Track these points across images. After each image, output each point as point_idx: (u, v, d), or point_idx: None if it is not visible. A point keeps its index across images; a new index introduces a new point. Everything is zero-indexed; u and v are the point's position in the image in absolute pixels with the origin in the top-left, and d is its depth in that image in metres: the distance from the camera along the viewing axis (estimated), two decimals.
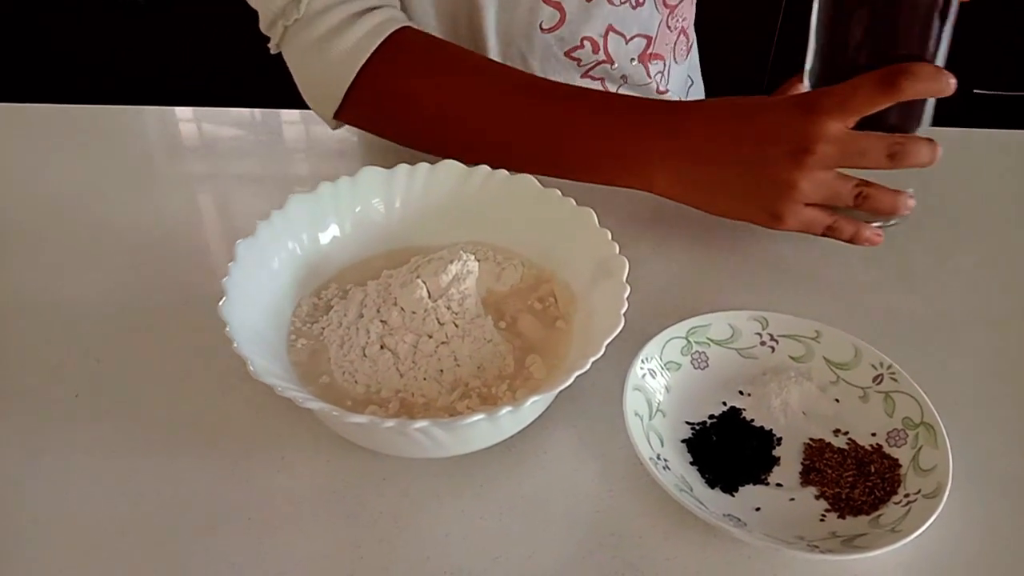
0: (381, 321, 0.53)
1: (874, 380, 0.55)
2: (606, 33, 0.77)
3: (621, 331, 0.48)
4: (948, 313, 0.65)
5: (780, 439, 0.53)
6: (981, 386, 0.59)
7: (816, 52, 0.63)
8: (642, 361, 0.54)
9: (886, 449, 0.52)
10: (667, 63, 0.85)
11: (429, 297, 0.53)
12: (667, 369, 0.56)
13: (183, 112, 0.87)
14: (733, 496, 0.50)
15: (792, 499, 0.50)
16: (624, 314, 0.49)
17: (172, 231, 0.70)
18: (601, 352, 0.47)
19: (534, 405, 0.48)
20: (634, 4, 0.77)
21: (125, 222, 0.71)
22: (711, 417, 0.55)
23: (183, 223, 0.72)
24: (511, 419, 0.48)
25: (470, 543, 0.48)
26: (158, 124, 0.86)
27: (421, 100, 0.70)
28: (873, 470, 0.51)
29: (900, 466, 0.51)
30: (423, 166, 0.60)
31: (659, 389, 0.55)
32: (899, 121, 0.60)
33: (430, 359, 0.51)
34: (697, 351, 0.57)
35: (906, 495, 0.49)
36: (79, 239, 0.69)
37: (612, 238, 0.54)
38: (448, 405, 0.50)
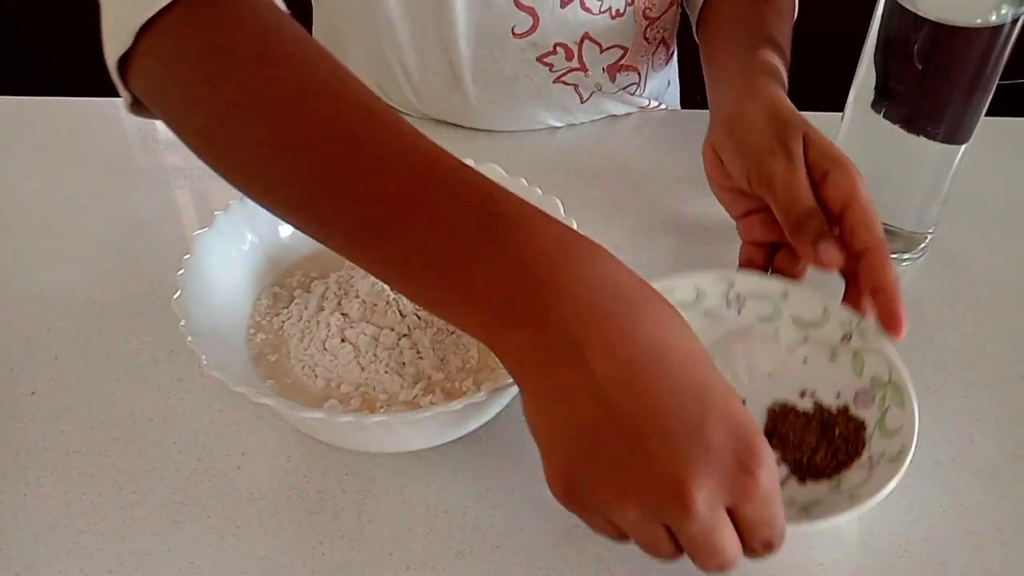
0: (342, 314, 0.52)
1: (843, 338, 0.52)
2: (581, 41, 0.76)
3: None
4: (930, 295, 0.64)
5: (743, 402, 0.51)
6: (956, 357, 0.58)
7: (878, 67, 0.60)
8: None
9: (852, 411, 0.51)
10: (643, 74, 0.83)
11: (391, 288, 0.52)
12: None
13: None
14: None
15: None
16: None
17: (137, 225, 0.69)
18: None
19: (499, 397, 0.47)
20: (613, 14, 0.75)
21: (90, 216, 0.69)
22: None
23: (149, 216, 0.71)
24: (474, 412, 0.47)
25: (434, 537, 0.47)
26: (133, 118, 0.85)
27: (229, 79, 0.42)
28: (837, 433, 0.49)
29: (865, 428, 0.49)
30: None
31: None
32: (948, 135, 0.60)
33: (391, 352, 0.51)
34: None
35: (869, 458, 0.48)
36: (40, 233, 0.68)
37: (578, 227, 0.54)
38: (411, 400, 0.49)
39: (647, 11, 0.77)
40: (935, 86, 0.57)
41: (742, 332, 0.55)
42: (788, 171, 0.52)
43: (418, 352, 0.51)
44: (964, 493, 0.50)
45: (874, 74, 0.60)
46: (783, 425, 0.51)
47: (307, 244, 0.58)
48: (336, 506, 0.48)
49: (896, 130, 0.60)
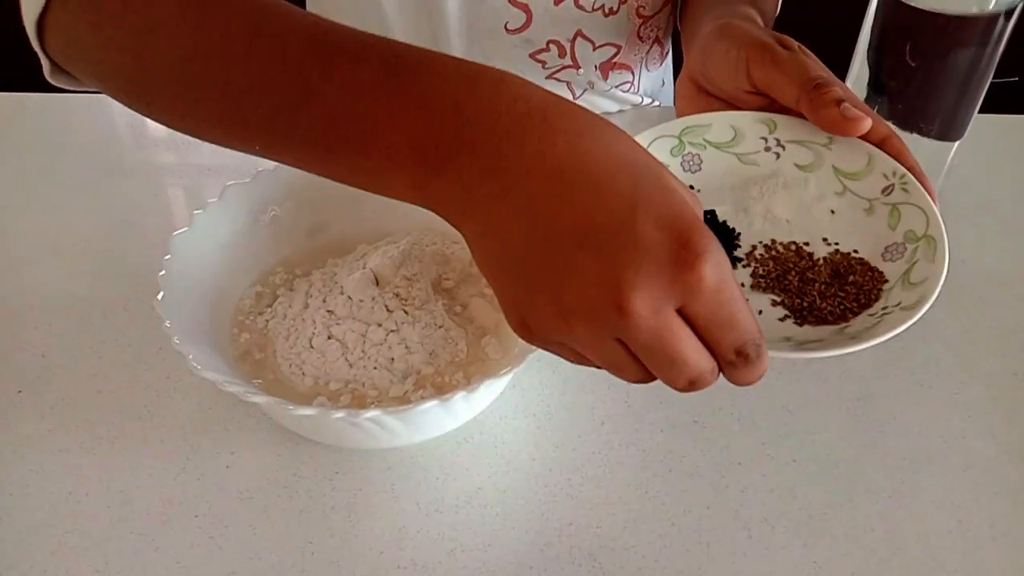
0: (327, 311, 0.51)
1: (884, 191, 0.48)
2: (574, 38, 0.75)
3: None
4: None
5: (737, 238, 0.48)
6: (948, 354, 0.58)
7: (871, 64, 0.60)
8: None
9: (875, 263, 0.47)
10: (636, 72, 0.83)
11: (377, 284, 0.52)
12: None
13: None
14: None
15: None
16: None
17: (125, 222, 0.68)
18: None
19: (489, 390, 0.46)
20: (606, 12, 0.75)
21: (76, 213, 0.69)
22: None
23: (136, 214, 0.70)
24: (465, 405, 0.47)
25: (425, 536, 0.47)
26: (117, 110, 0.84)
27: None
28: (851, 280, 0.46)
29: (885, 280, 0.46)
30: None
31: None
32: (941, 132, 0.59)
33: (380, 348, 0.50)
34: (690, 152, 0.50)
35: (883, 308, 0.45)
36: (26, 229, 0.67)
37: None
38: (401, 395, 0.48)
39: (640, 9, 0.76)
40: (928, 81, 0.57)
41: (767, 176, 0.51)
42: (793, 52, 0.50)
43: (407, 347, 0.50)
44: (956, 490, 0.50)
45: (867, 70, 0.60)
46: (788, 268, 0.47)
47: (288, 241, 0.58)
48: (326, 505, 0.48)
49: (889, 126, 0.60)
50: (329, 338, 0.50)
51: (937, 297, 0.42)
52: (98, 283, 0.61)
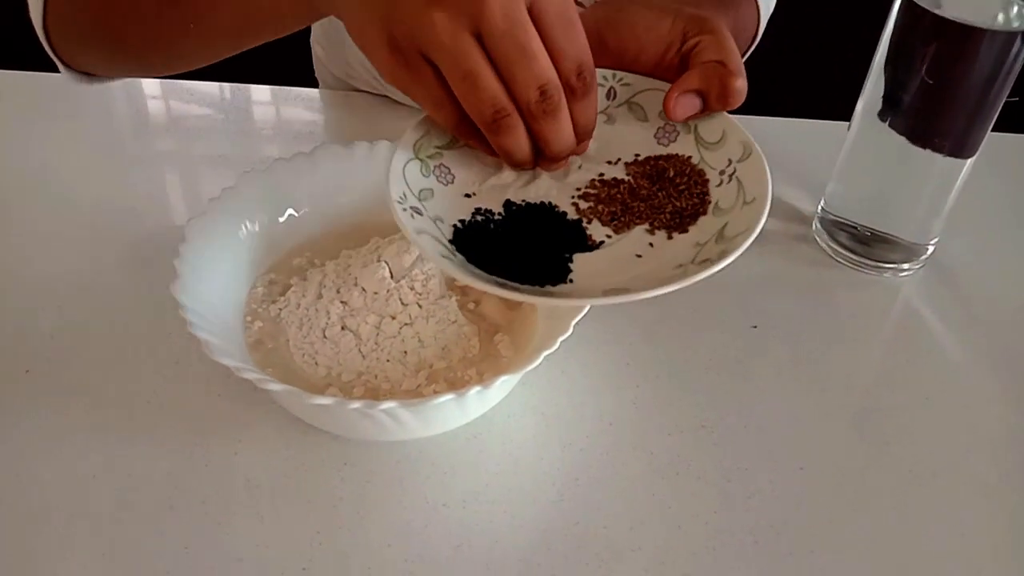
0: (341, 302, 0.51)
1: (607, 95, 0.51)
2: None
3: None
4: None
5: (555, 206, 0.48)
6: (953, 370, 0.59)
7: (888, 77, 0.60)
8: (399, 203, 0.44)
9: (664, 150, 0.49)
10: None
11: (392, 277, 0.52)
12: (423, 199, 0.46)
13: (150, 87, 0.84)
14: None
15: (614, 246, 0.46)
16: None
17: (134, 208, 0.68)
18: (569, 332, 0.46)
19: (503, 387, 0.47)
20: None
21: (86, 198, 0.68)
22: (466, 224, 0.46)
23: (145, 201, 0.70)
24: (478, 400, 0.47)
25: (432, 531, 0.47)
26: (124, 97, 0.84)
27: None
28: (670, 174, 0.48)
29: (689, 157, 0.48)
30: (383, 143, 0.59)
31: (432, 228, 0.45)
32: (954, 149, 0.60)
33: (393, 340, 0.50)
34: (436, 166, 0.48)
35: (721, 171, 0.47)
36: (37, 213, 0.67)
37: None
38: (414, 388, 0.49)
39: None
40: (944, 97, 0.57)
41: None
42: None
43: (420, 341, 0.50)
44: (961, 505, 0.50)
45: (883, 84, 0.60)
46: (613, 196, 0.48)
47: (301, 232, 0.58)
48: (334, 495, 0.48)
49: (902, 142, 0.60)
50: (343, 329, 0.50)
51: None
52: (107, 268, 0.61)
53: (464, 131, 0.44)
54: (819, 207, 0.70)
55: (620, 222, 0.47)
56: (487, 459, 0.51)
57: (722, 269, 0.41)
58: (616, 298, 0.40)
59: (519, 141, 0.43)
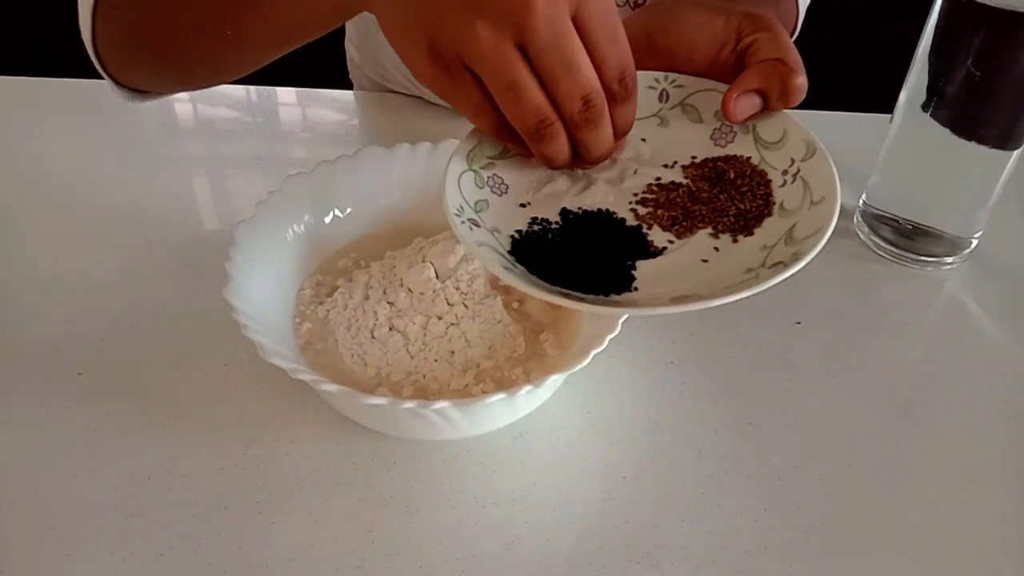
0: (388, 303, 0.52)
1: (659, 98, 0.51)
2: None
3: None
4: None
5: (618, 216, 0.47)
6: (999, 364, 0.58)
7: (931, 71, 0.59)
8: (456, 215, 0.44)
9: (721, 152, 0.49)
10: None
11: (437, 278, 0.52)
12: (479, 210, 0.46)
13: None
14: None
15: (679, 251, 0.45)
16: None
17: (174, 212, 0.69)
18: (617, 331, 0.46)
19: (552, 386, 0.47)
20: (633, 5, 0.75)
21: (127, 201, 0.69)
22: (525, 236, 0.46)
23: (185, 204, 0.71)
24: (527, 400, 0.47)
25: (482, 529, 0.47)
26: (154, 103, 0.85)
27: None
28: (730, 176, 0.48)
29: (749, 158, 0.48)
30: (425, 145, 0.59)
31: (490, 239, 0.45)
32: (999, 140, 0.59)
33: (440, 340, 0.50)
34: (490, 176, 0.48)
35: (783, 171, 0.46)
36: (82, 217, 0.68)
37: None
38: (462, 388, 0.49)
39: None
40: (990, 87, 0.57)
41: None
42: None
43: (466, 340, 0.51)
44: (1012, 499, 0.50)
45: (927, 76, 0.59)
46: (674, 201, 0.47)
47: (346, 234, 0.58)
48: (384, 494, 0.48)
49: (946, 133, 0.60)
50: (391, 330, 0.50)
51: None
52: (153, 271, 0.62)
53: (505, 136, 0.44)
54: (861, 201, 0.69)
55: (682, 227, 0.46)
56: (533, 458, 0.51)
57: (796, 272, 0.40)
58: (688, 306, 0.40)
59: (561, 148, 0.43)
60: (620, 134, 0.45)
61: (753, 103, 0.47)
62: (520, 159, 0.48)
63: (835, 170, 0.44)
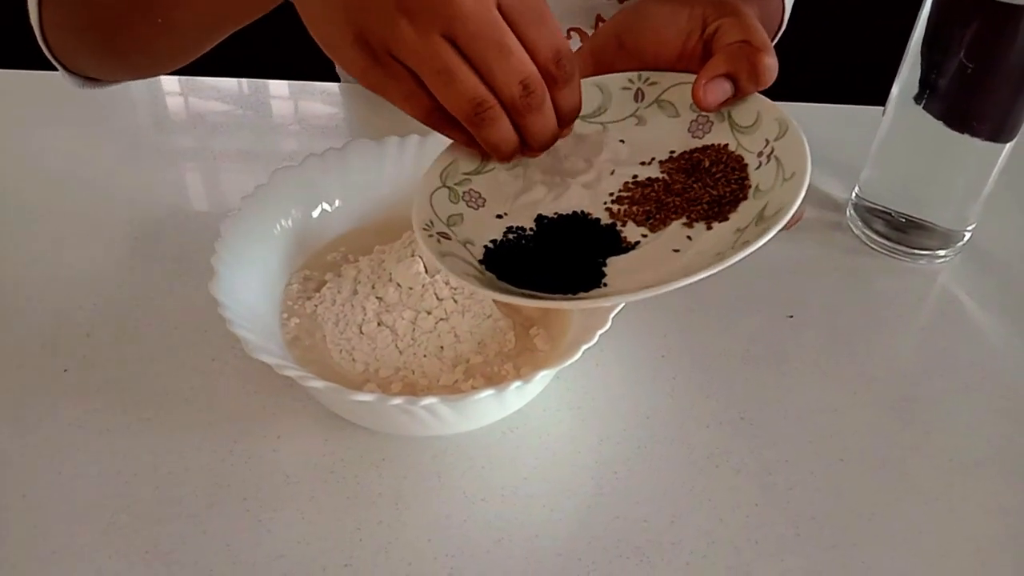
0: (377, 298, 0.51)
1: (635, 98, 0.50)
2: (595, 24, 0.75)
3: None
4: None
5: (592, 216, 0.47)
6: (992, 357, 0.58)
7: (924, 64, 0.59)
8: (424, 230, 0.44)
9: (699, 143, 0.48)
10: None
11: (426, 272, 0.52)
12: (451, 224, 0.46)
13: (169, 83, 0.84)
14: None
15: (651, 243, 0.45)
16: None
17: (163, 206, 0.68)
18: (608, 325, 0.46)
19: (542, 382, 0.46)
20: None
21: (113, 196, 0.69)
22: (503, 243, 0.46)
23: (174, 198, 0.70)
24: (517, 395, 0.47)
25: (472, 525, 0.47)
26: (146, 95, 0.84)
27: None
28: (706, 164, 0.47)
29: (726, 144, 0.48)
30: (413, 138, 0.59)
31: (460, 251, 0.45)
32: (992, 133, 0.59)
33: (430, 335, 0.50)
34: (465, 192, 0.48)
35: (759, 153, 0.46)
36: (69, 211, 0.67)
37: None
38: (451, 384, 0.48)
39: None
40: (983, 80, 0.56)
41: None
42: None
43: (456, 335, 0.50)
44: (1005, 494, 0.50)
45: (919, 68, 0.59)
46: (647, 195, 0.47)
47: (334, 228, 0.58)
48: (373, 491, 0.48)
49: (939, 126, 0.60)
50: (379, 325, 0.50)
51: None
52: (140, 266, 0.62)
53: (438, 121, 0.43)
54: (853, 194, 0.69)
55: (656, 220, 0.46)
56: (524, 453, 0.50)
57: (759, 248, 0.39)
58: (646, 292, 0.39)
59: (504, 134, 0.43)
60: (565, 119, 0.44)
61: (723, 88, 0.46)
62: (498, 172, 0.48)
63: (807, 144, 0.44)
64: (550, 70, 0.41)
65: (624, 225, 0.46)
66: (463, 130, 0.43)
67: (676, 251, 0.44)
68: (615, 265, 0.44)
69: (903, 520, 0.48)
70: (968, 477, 0.51)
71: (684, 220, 0.46)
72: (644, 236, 0.45)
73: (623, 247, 0.45)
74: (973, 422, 0.54)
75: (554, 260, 0.45)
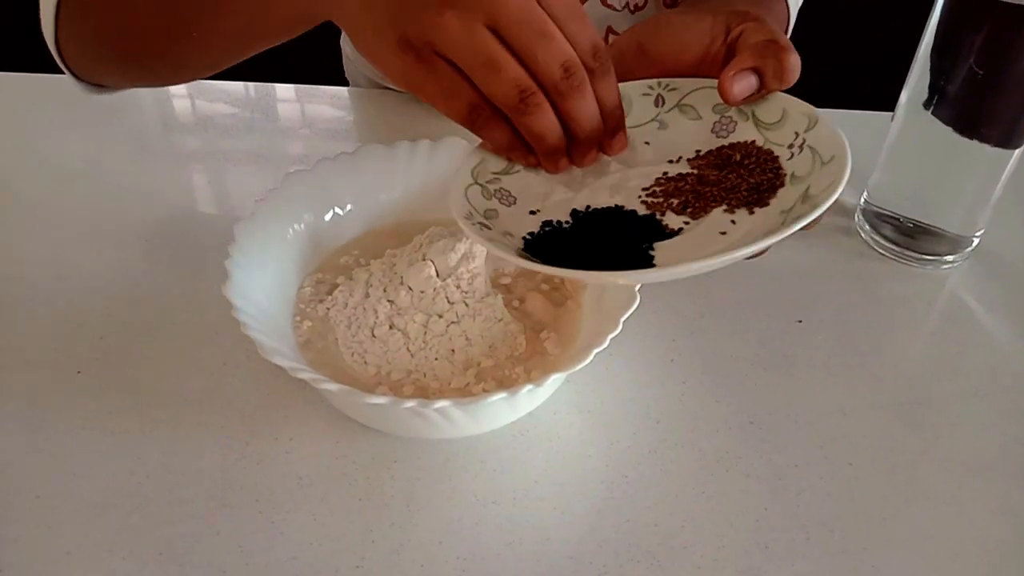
0: (388, 301, 0.52)
1: (655, 104, 0.51)
2: (606, 36, 0.76)
3: None
4: None
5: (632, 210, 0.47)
6: (1001, 362, 0.58)
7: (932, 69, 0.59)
8: (467, 219, 0.44)
9: (724, 141, 0.49)
10: None
11: (438, 276, 0.52)
12: (488, 218, 0.46)
13: (177, 87, 0.85)
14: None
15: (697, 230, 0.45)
16: (639, 290, 0.48)
17: (173, 209, 0.69)
18: (618, 329, 0.46)
19: (553, 385, 0.47)
20: (633, 8, 0.75)
21: (127, 198, 0.69)
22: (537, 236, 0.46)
23: (184, 201, 0.71)
24: (528, 399, 0.47)
25: (483, 528, 0.47)
26: (153, 98, 0.85)
27: None
28: (738, 158, 0.47)
29: (753, 140, 0.48)
30: (425, 142, 0.59)
31: (502, 239, 0.45)
32: (1002, 139, 0.59)
33: (441, 339, 0.50)
34: (496, 190, 0.48)
35: (789, 145, 0.46)
36: (81, 214, 0.67)
37: None
38: (463, 387, 0.49)
39: (667, 3, 0.76)
40: (993, 86, 0.56)
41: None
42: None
43: (467, 339, 0.50)
44: (1014, 498, 0.50)
45: (929, 74, 0.59)
46: (683, 188, 0.47)
47: (346, 232, 0.58)
48: (385, 493, 0.48)
49: (948, 132, 0.60)
50: (391, 328, 0.50)
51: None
52: (152, 268, 0.62)
53: (476, 117, 0.43)
54: (862, 199, 0.69)
55: (695, 208, 0.46)
56: (534, 456, 0.51)
57: (819, 217, 0.40)
58: (721, 257, 0.38)
59: (548, 121, 0.43)
60: (608, 112, 0.45)
61: (750, 83, 0.47)
62: (526, 174, 0.48)
63: (841, 132, 0.44)
64: (588, 62, 0.43)
65: (663, 215, 0.46)
66: (502, 128, 0.44)
67: (723, 233, 0.44)
68: (663, 249, 0.44)
69: (913, 524, 0.48)
70: (977, 480, 0.51)
71: (725, 207, 0.45)
72: (686, 223, 0.45)
73: (667, 233, 0.45)
74: (982, 426, 0.54)
75: (600, 245, 0.45)
